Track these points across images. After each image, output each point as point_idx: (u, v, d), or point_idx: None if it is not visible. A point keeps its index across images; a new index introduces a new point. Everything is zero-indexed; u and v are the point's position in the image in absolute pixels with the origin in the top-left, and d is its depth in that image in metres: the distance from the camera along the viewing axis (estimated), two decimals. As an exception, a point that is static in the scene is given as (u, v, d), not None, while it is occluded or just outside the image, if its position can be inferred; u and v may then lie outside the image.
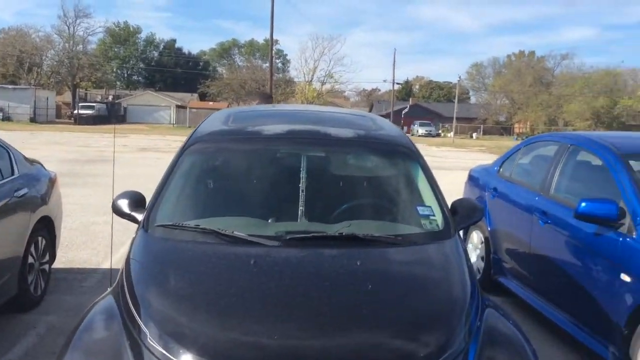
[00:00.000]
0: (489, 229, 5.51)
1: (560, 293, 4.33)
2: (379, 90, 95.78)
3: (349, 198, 3.11)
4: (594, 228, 3.89)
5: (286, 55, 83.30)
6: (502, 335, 2.39)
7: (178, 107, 60.01)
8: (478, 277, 5.68)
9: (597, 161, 4.30)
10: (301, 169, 3.06)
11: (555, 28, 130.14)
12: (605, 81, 54.50)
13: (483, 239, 5.64)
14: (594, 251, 3.88)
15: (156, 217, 2.87)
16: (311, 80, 58.17)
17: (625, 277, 3.51)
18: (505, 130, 64.51)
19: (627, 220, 3.67)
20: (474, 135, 59.54)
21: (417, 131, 57.91)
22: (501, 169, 5.72)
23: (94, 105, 55.20)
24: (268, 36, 34.50)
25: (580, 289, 4.00)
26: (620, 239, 3.65)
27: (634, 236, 3.57)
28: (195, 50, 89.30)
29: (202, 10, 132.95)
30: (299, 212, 2.93)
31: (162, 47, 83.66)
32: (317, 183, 3.11)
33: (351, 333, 2.08)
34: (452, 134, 53.53)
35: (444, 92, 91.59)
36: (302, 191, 2.98)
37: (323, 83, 58.87)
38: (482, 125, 63.50)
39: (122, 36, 79.73)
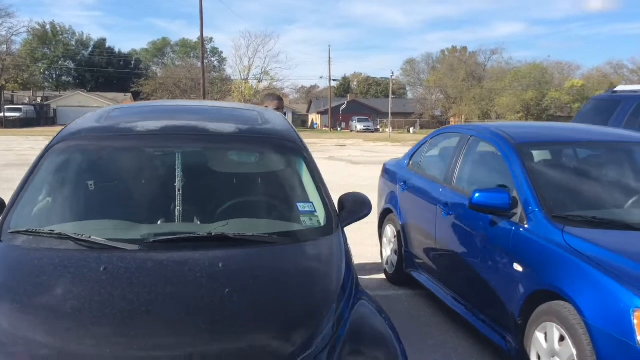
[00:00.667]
0: (400, 222, 5.48)
1: (463, 285, 4.32)
2: (318, 87, 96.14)
3: (229, 196, 2.96)
4: (489, 218, 3.89)
5: (222, 53, 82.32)
6: (370, 330, 2.30)
7: (110, 107, 57.97)
8: (392, 272, 5.67)
9: (494, 151, 4.31)
10: (177, 167, 2.89)
11: (486, 24, 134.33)
12: (533, 75, 56.54)
13: (396, 233, 5.60)
14: (490, 242, 3.87)
15: (11, 223, 2.63)
16: (247, 78, 57.57)
17: (518, 267, 3.51)
18: (441, 124, 65.87)
19: (519, 210, 3.67)
20: (412, 130, 60.58)
21: (356, 127, 58.43)
22: (410, 162, 5.70)
23: (21, 108, 52.95)
24: (204, 34, 33.81)
25: (479, 280, 3.99)
26: (513, 228, 3.65)
27: (526, 225, 3.57)
28: (127, 50, 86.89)
29: (134, 9, 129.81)
30: (176, 212, 2.76)
31: (92, 46, 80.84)
32: (196, 181, 2.94)
33: (201, 341, 1.94)
34: (389, 129, 54.24)
35: (381, 87, 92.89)
36: (179, 190, 2.81)
37: (259, 80, 58.39)
38: (418, 120, 64.69)
39: (49, 36, 76.58)
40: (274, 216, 2.89)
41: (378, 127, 63.05)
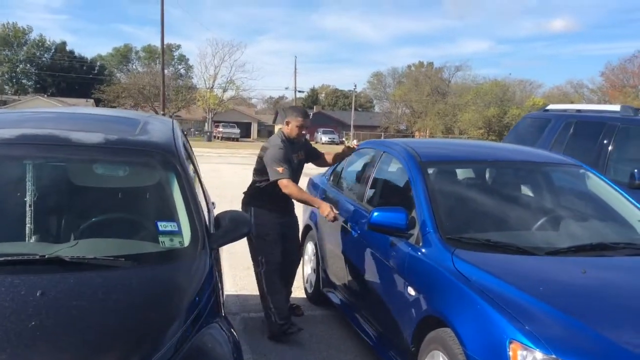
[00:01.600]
0: (317, 239, 5.30)
1: (367, 308, 4.16)
2: (286, 97, 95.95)
3: (87, 213, 2.73)
4: (389, 239, 3.73)
5: (188, 60, 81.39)
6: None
7: (71, 113, 56.72)
8: (311, 291, 5.47)
9: (403, 169, 4.17)
10: (28, 180, 2.64)
11: (453, 41, 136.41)
12: (495, 92, 57.37)
13: (315, 250, 5.42)
14: (390, 263, 3.71)
15: None
16: (212, 87, 57.00)
17: (411, 291, 3.35)
18: (405, 137, 66.39)
19: (416, 231, 3.52)
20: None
21: (321, 139, 58.36)
22: (331, 177, 5.54)
23: (-26, 112, 51.33)
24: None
25: (380, 303, 3.83)
26: (409, 250, 3.50)
27: (420, 247, 3.42)
28: (93, 54, 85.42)
29: (101, 14, 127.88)
30: (27, 230, 2.51)
31: (53, 50, 79.12)
32: (51, 196, 2.71)
33: None
34: (355, 141, 54.19)
35: (349, 100, 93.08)
36: (29, 206, 2.56)
37: (225, 90, 57.88)
38: (383, 133, 65.02)
39: (11, 38, 74.74)
40: (130, 236, 2.67)
41: (343, 139, 63.09)
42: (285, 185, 4.30)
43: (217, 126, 58.15)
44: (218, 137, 54.83)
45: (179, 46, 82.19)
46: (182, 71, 79.62)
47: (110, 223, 2.71)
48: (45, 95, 65.47)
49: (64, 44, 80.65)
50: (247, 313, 5.14)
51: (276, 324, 4.46)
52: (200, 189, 3.62)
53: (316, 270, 5.36)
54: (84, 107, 4.13)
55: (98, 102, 64.33)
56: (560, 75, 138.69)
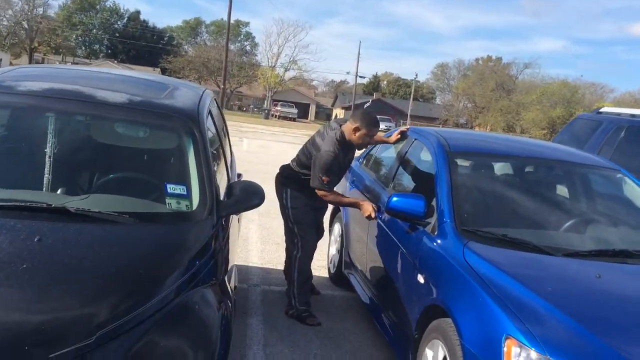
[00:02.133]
0: (344, 221, 5.30)
1: (382, 292, 4.14)
2: (348, 82, 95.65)
3: (103, 169, 2.82)
4: (407, 225, 3.69)
5: (255, 38, 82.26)
6: (189, 323, 2.15)
7: (137, 80, 58.47)
8: (333, 271, 5.50)
9: (431, 157, 4.10)
10: (49, 132, 2.75)
11: (526, 37, 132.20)
12: (562, 92, 55.42)
13: (341, 232, 5.42)
14: (405, 250, 3.68)
15: None
16: (274, 66, 57.44)
17: (420, 278, 3.32)
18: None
19: (434, 220, 3.47)
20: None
21: (377, 126, 57.94)
22: (364, 160, 5.51)
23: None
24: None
25: (393, 289, 3.80)
26: (424, 238, 3.46)
27: (435, 236, 3.37)
28: (162, 25, 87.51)
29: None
30: (45, 180, 2.63)
31: (126, 18, 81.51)
32: (70, 150, 2.81)
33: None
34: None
35: (410, 89, 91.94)
36: (49, 157, 2.68)
37: (286, 69, 58.21)
38: (441, 125, 63.98)
39: (88, 3, 77.41)
40: (141, 195, 2.74)
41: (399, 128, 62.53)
42: (324, 195, 4.26)
43: (275, 105, 58.68)
44: (276, 116, 55.35)
45: (247, 23, 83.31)
46: (248, 48, 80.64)
47: (123, 181, 2.79)
48: (115, 61, 67.65)
49: (137, 12, 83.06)
50: (269, 286, 5.21)
51: (295, 308, 4.51)
52: (223, 159, 3.67)
53: (340, 252, 5.37)
54: (118, 69, 4.22)
55: (164, 72, 65.85)
56: (636, 81, 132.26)
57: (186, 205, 2.67)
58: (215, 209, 2.74)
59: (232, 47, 73.17)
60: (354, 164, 5.72)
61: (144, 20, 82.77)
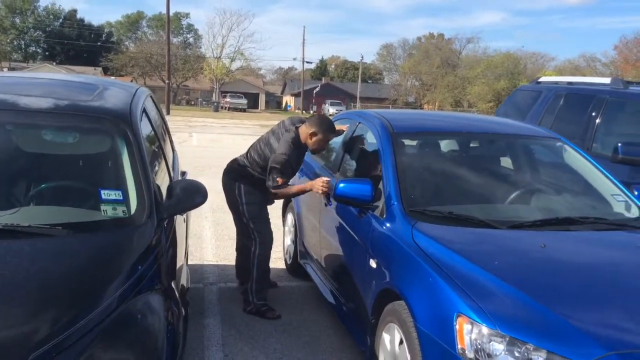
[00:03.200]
0: (296, 211, 5.25)
1: (337, 280, 4.12)
2: (296, 69, 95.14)
3: (34, 180, 2.68)
4: (357, 211, 3.67)
5: (197, 30, 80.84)
6: (133, 330, 2.07)
7: (79, 81, 56.78)
8: (290, 262, 5.45)
9: (374, 139, 4.08)
10: None
11: (467, 12, 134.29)
12: (506, 64, 56.56)
13: (294, 222, 5.37)
14: (356, 235, 3.66)
15: None
16: (219, 57, 56.60)
17: (373, 263, 3.30)
18: (414, 110, 65.88)
19: (381, 203, 3.45)
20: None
21: (328, 110, 58.03)
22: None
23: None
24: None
25: (347, 275, 3.79)
26: (373, 222, 3.44)
27: (383, 219, 3.35)
28: (102, 22, 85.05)
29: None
30: None
31: (62, 17, 78.74)
32: None
33: None
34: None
35: (358, 72, 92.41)
36: None
37: (232, 59, 57.44)
38: (390, 106, 64.50)
39: (19, 5, 74.34)
40: (75, 204, 2.62)
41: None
42: (275, 193, 4.22)
43: (224, 96, 57.94)
44: (225, 108, 54.67)
45: (187, 14, 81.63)
46: (191, 40, 79.18)
47: (56, 191, 2.66)
48: (54, 63, 65.39)
49: (74, 11, 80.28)
50: (225, 283, 5.13)
51: (253, 304, 4.44)
52: (164, 158, 3.56)
53: (294, 242, 5.33)
54: (47, 73, 4.02)
55: (106, 71, 64.18)
56: (575, 49, 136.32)
57: (123, 211, 2.57)
58: (154, 211, 2.65)
59: (174, 40, 71.70)
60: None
61: (81, 19, 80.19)
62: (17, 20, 74.25)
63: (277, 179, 4.12)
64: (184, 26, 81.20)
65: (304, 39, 60.71)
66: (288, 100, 72.22)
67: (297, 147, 4.23)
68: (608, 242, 3.09)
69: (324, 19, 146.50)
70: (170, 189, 2.88)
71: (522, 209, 3.52)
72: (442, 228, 3.10)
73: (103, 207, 2.55)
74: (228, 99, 56.70)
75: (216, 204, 8.37)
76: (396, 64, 77.13)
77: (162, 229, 2.70)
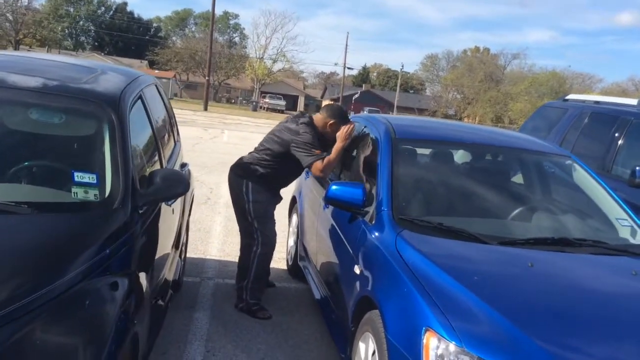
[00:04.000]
0: (299, 212, 5.18)
1: (328, 283, 4.02)
2: (337, 74, 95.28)
3: (15, 158, 2.68)
4: (349, 215, 3.57)
5: (244, 29, 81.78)
6: (82, 315, 2.04)
7: (123, 72, 58.15)
8: (291, 263, 5.38)
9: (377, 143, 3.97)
10: None
11: (516, 28, 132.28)
12: (550, 83, 55.50)
13: (297, 223, 5.31)
14: (345, 240, 3.57)
15: None
16: (262, 57, 57.08)
17: (357, 269, 3.20)
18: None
19: (372, 208, 3.35)
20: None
21: (366, 117, 57.92)
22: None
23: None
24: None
25: (336, 280, 3.70)
26: (362, 227, 3.34)
27: (372, 225, 3.25)
28: (150, 16, 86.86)
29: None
30: None
31: (113, 9, 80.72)
32: None
33: None
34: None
35: (400, 81, 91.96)
36: None
37: (274, 61, 57.85)
38: (430, 117, 63.89)
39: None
40: (49, 184, 2.60)
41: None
42: (319, 167, 4.03)
43: (264, 97, 58.40)
44: (264, 108, 55.08)
45: (237, 15, 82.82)
46: (237, 40, 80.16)
47: (33, 169, 2.65)
48: (102, 54, 67.01)
49: (124, 4, 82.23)
50: (222, 279, 5.09)
51: (246, 302, 4.38)
52: (158, 148, 3.53)
53: (296, 243, 5.26)
54: (49, 54, 4.04)
55: (152, 64, 65.48)
56: (624, 71, 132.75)
57: (95, 195, 2.54)
58: (129, 198, 2.61)
59: (220, 39, 72.76)
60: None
61: (130, 12, 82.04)
62: (71, 10, 76.43)
63: (314, 150, 4.06)
64: (231, 25, 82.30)
65: (346, 45, 61.03)
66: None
67: (315, 131, 4.21)
68: (601, 267, 2.92)
69: (370, 26, 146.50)
70: (150, 177, 2.84)
71: (520, 225, 3.37)
72: (429, 239, 2.99)
73: (74, 189, 2.52)
74: (267, 100, 57.14)
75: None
76: (439, 76, 76.47)
77: (136, 216, 2.66)
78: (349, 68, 65.04)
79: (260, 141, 4.48)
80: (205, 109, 37.46)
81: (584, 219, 3.52)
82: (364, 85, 78.18)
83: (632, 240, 3.34)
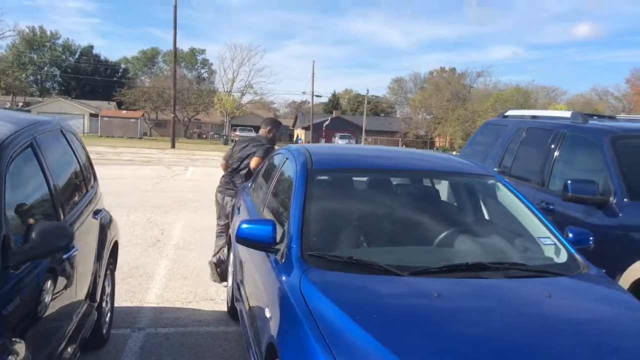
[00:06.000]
0: (233, 250, 4.97)
1: (249, 327, 3.80)
2: (308, 102, 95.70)
3: None
4: (264, 253, 3.38)
5: (212, 64, 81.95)
6: None
7: (92, 115, 57.70)
8: (230, 304, 5.15)
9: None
10: None
11: (480, 47, 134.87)
12: (515, 98, 56.36)
13: (234, 262, 5.09)
14: (259, 280, 3.37)
15: None
16: (230, 91, 57.11)
17: (267, 312, 3.00)
18: (425, 143, 65.66)
19: (283, 245, 3.17)
20: (394, 148, 60.02)
21: (338, 143, 58.12)
22: (252, 183, 5.21)
23: (-3, 113, 52.27)
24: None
25: (254, 325, 3.48)
26: (272, 266, 3.15)
27: (282, 264, 3.06)
28: (119, 57, 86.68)
29: (132, 17, 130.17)
30: None
31: (78, 53, 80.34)
32: None
33: None
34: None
35: (370, 105, 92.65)
36: None
37: (243, 93, 57.93)
38: (401, 139, 64.36)
39: (38, 41, 76.13)
40: None
41: (360, 144, 62.60)
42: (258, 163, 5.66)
43: (234, 130, 58.30)
44: (235, 141, 54.89)
45: (203, 50, 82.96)
46: (205, 75, 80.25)
47: None
48: (69, 98, 66.46)
49: (90, 47, 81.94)
50: (155, 328, 4.81)
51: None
52: (56, 200, 3.32)
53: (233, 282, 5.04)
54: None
55: (120, 105, 65.04)
56: (587, 82, 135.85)
57: None
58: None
59: (188, 75, 72.73)
60: (245, 186, 5.46)
61: (96, 55, 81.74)
62: (34, 56, 75.85)
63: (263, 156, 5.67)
64: (199, 61, 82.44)
65: (313, 74, 61.30)
66: (299, 133, 72.41)
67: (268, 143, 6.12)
68: (513, 292, 2.75)
69: (338, 53, 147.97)
70: (26, 232, 2.63)
71: (437, 252, 3.21)
72: (334, 275, 2.80)
73: None
74: (237, 132, 57.00)
75: (182, 240, 8.14)
76: (407, 98, 77.29)
77: (6, 277, 2.44)
78: (317, 96, 65.49)
79: (234, 162, 6.10)
80: (173, 147, 37.12)
81: (507, 240, 3.38)
82: (334, 111, 78.56)
83: (555, 259, 3.20)
